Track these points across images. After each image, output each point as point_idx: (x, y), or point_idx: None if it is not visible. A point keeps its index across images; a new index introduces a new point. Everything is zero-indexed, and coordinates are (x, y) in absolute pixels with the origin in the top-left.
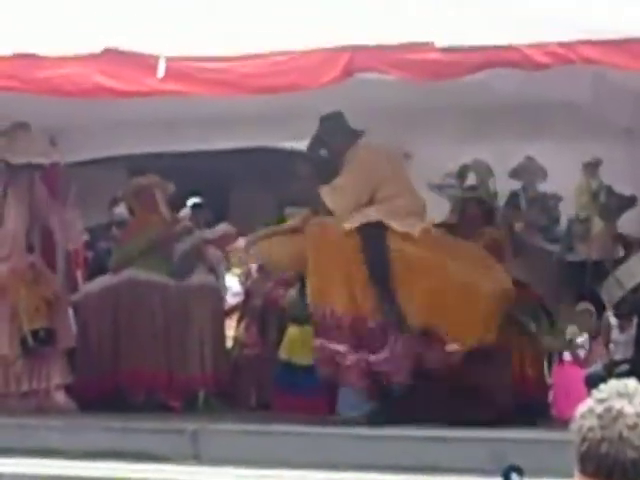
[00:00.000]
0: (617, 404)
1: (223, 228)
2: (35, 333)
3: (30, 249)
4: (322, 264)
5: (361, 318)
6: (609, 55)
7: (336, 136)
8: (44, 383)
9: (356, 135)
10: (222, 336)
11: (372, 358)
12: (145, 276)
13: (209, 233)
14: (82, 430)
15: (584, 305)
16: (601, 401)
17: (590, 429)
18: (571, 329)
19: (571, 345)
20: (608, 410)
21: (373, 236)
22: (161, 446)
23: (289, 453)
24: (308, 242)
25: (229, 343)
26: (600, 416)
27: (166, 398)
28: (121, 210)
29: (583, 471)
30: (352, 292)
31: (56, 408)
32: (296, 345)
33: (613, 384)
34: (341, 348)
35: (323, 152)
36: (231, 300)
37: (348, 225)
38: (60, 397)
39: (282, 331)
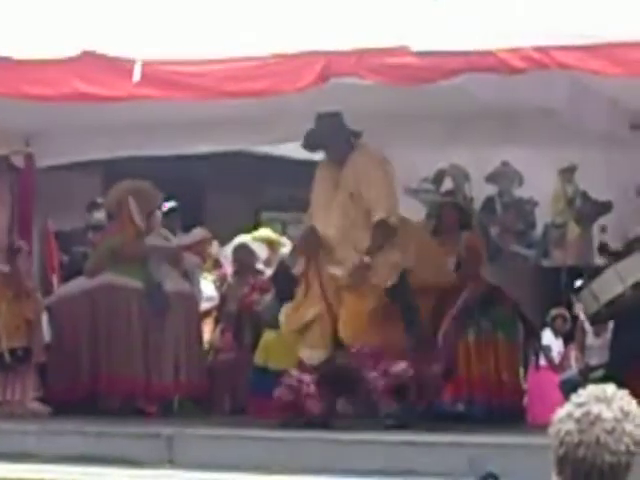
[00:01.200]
0: (595, 408)
1: (199, 233)
2: (13, 351)
3: (13, 254)
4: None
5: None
6: (584, 60)
7: (334, 135)
8: (18, 396)
9: (355, 135)
10: (198, 342)
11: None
12: (121, 281)
13: (185, 238)
14: (57, 434)
15: (558, 310)
16: (579, 405)
17: (568, 433)
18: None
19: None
20: (586, 414)
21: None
22: (136, 450)
23: (264, 458)
24: None
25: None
26: (578, 420)
27: (142, 403)
28: (100, 215)
29: (560, 475)
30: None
31: (31, 414)
32: (272, 350)
33: (591, 389)
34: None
35: (319, 150)
36: (204, 305)
37: (390, 283)
38: (34, 404)
39: (257, 336)
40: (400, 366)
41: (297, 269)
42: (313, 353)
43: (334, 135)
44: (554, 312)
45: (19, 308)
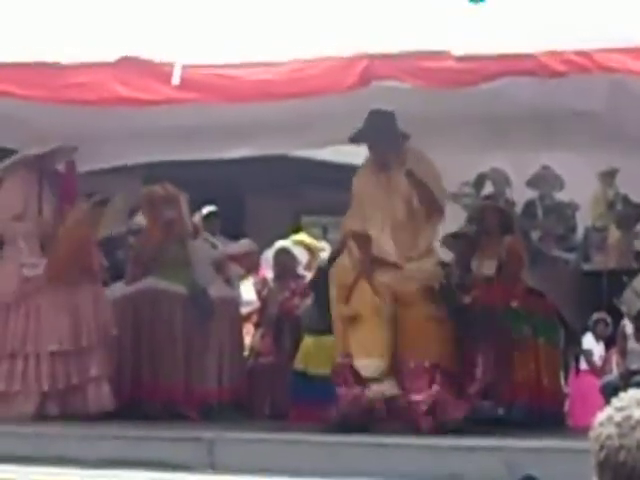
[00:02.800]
0: (636, 413)
1: (246, 244)
2: None
3: None
4: None
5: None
6: (626, 63)
7: (385, 133)
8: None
9: (404, 137)
10: (240, 349)
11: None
12: (164, 286)
13: (232, 247)
14: (98, 439)
15: (600, 314)
16: (620, 409)
17: (608, 437)
18: None
19: None
20: (627, 418)
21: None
22: (177, 455)
23: (304, 462)
24: None
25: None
26: (619, 424)
27: (183, 408)
28: (139, 219)
29: (601, 479)
30: None
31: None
32: (311, 355)
33: (632, 393)
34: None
35: (365, 144)
36: (243, 309)
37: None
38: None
39: (297, 341)
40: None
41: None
42: (371, 362)
43: (385, 133)
44: (596, 316)
45: None
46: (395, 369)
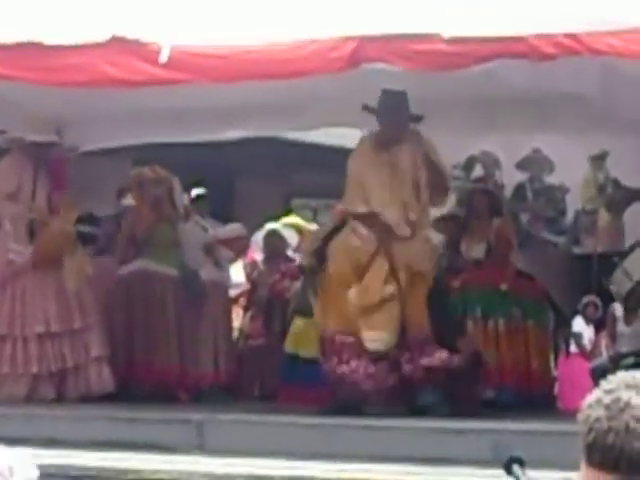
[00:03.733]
0: (625, 395)
1: (237, 229)
2: None
3: None
4: None
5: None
6: (615, 45)
7: (396, 113)
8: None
9: (415, 119)
10: (230, 331)
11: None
12: (155, 267)
13: (222, 231)
14: (88, 420)
15: (589, 298)
16: (609, 392)
17: (597, 420)
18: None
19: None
20: (616, 401)
21: None
22: (167, 436)
23: (293, 444)
24: None
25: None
26: (608, 407)
27: (174, 390)
28: (129, 201)
29: (589, 462)
30: None
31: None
32: (301, 338)
33: (621, 375)
34: None
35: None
36: (231, 291)
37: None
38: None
39: (287, 323)
40: (443, 354)
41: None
42: (380, 336)
43: (395, 111)
44: (585, 299)
45: None
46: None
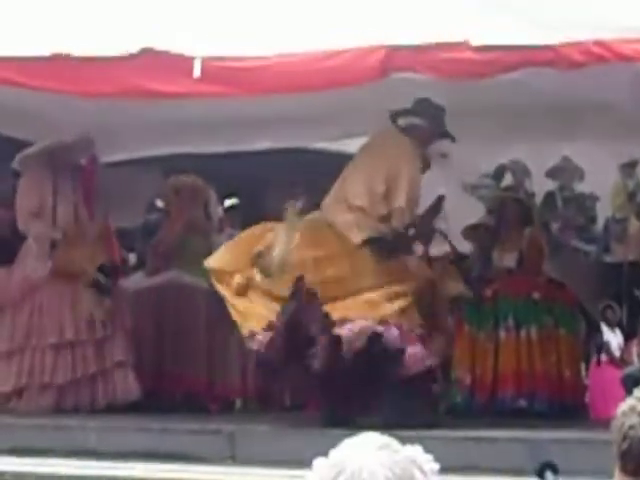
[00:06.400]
0: None
1: None
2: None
3: None
4: None
5: None
6: None
7: (430, 122)
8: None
9: (447, 137)
10: None
11: None
12: (187, 279)
13: None
14: (119, 431)
15: (606, 301)
16: None
17: (631, 427)
18: None
19: None
20: None
21: None
22: (198, 447)
23: (324, 454)
24: None
25: None
26: None
27: (204, 401)
28: (154, 216)
29: (624, 469)
30: None
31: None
32: None
33: None
34: None
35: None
36: None
37: None
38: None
39: None
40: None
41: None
42: None
43: (430, 122)
44: (602, 304)
45: None
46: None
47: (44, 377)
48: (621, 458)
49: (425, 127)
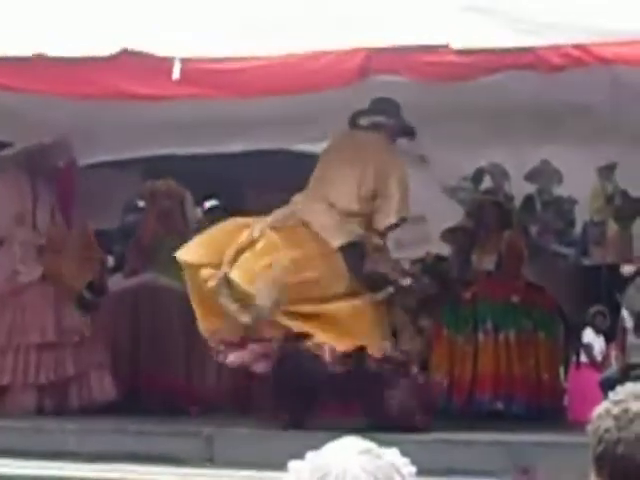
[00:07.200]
0: (634, 406)
1: None
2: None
3: None
4: None
5: None
6: (624, 56)
7: (393, 120)
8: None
9: (408, 134)
10: None
11: None
12: (164, 281)
13: None
14: (98, 433)
15: (597, 307)
16: (618, 403)
17: (607, 430)
18: None
19: None
20: (625, 411)
21: None
22: (176, 449)
23: (302, 457)
24: None
25: None
26: (617, 417)
27: (183, 403)
28: (132, 217)
29: (599, 473)
30: None
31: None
32: None
33: (630, 386)
34: None
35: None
36: None
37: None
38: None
39: None
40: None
41: None
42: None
43: (391, 119)
44: (594, 309)
45: None
46: None
47: (27, 377)
48: (596, 462)
49: (389, 124)
